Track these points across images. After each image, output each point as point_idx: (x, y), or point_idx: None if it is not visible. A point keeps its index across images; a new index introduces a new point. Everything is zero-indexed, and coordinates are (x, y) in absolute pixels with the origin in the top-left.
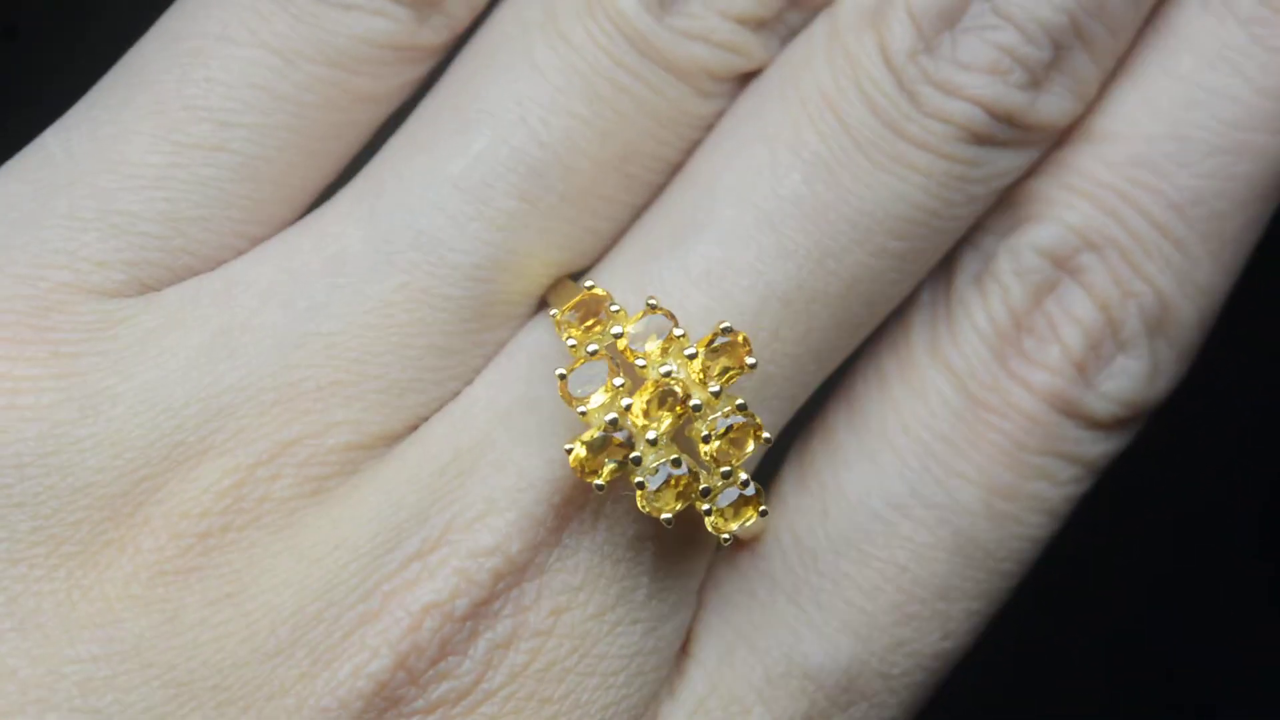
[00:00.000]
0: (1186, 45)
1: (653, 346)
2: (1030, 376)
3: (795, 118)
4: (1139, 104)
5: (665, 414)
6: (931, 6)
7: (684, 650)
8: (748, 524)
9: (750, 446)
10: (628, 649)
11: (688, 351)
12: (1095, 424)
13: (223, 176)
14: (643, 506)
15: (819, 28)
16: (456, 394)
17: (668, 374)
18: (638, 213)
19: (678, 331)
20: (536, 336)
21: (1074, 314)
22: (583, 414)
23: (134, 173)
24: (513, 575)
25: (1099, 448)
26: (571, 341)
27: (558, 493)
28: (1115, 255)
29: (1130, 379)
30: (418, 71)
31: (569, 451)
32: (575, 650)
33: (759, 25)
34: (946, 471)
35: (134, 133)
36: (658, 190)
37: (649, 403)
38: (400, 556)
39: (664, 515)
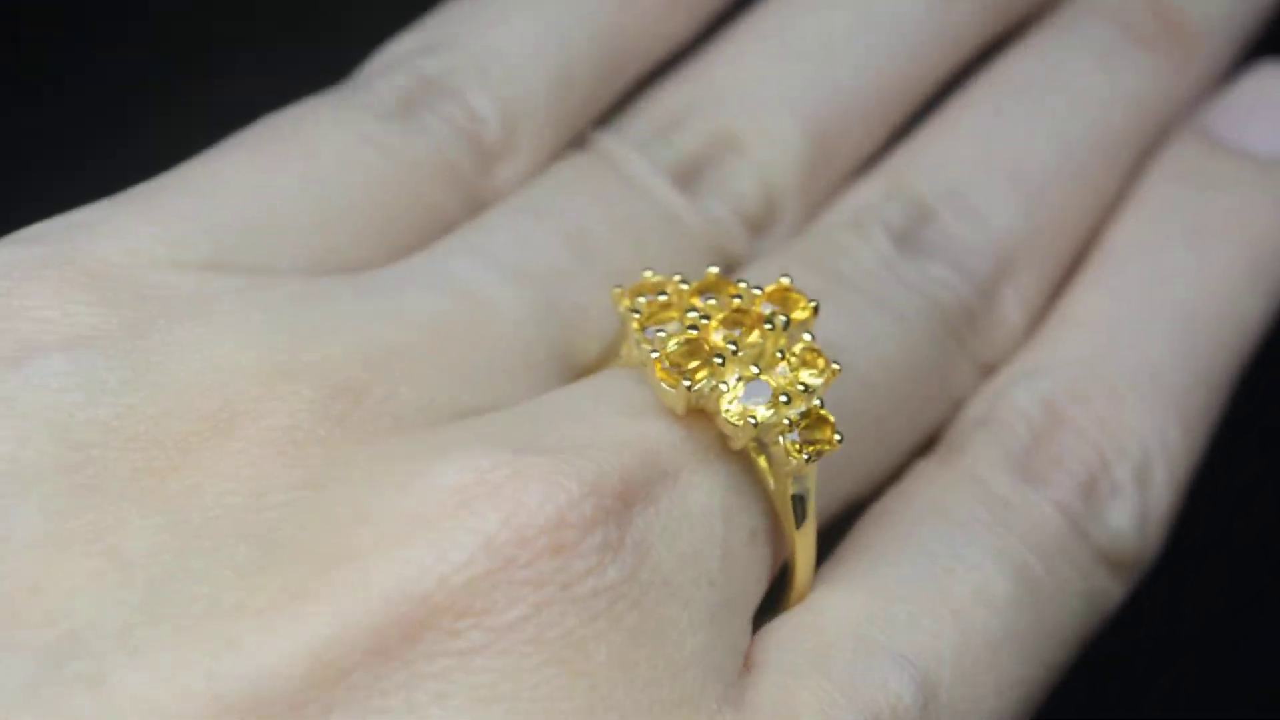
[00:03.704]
0: (1133, 263)
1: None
2: (1045, 490)
3: (798, 268)
4: (1107, 292)
5: (745, 329)
6: (899, 220)
7: (748, 663)
8: (824, 445)
9: (821, 367)
10: (710, 605)
11: (755, 291)
12: (1100, 554)
13: (300, 213)
14: (727, 414)
15: (795, 240)
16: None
17: (738, 299)
18: None
19: (741, 284)
20: (587, 380)
21: (1073, 451)
22: (661, 334)
23: (217, 187)
24: (613, 488)
25: (1104, 584)
26: (642, 299)
27: (645, 441)
28: (1105, 406)
29: (1126, 518)
30: (472, 210)
31: (656, 359)
32: (669, 582)
33: (751, 228)
34: (985, 545)
35: (222, 164)
36: None
37: (724, 320)
38: (496, 457)
39: (749, 419)
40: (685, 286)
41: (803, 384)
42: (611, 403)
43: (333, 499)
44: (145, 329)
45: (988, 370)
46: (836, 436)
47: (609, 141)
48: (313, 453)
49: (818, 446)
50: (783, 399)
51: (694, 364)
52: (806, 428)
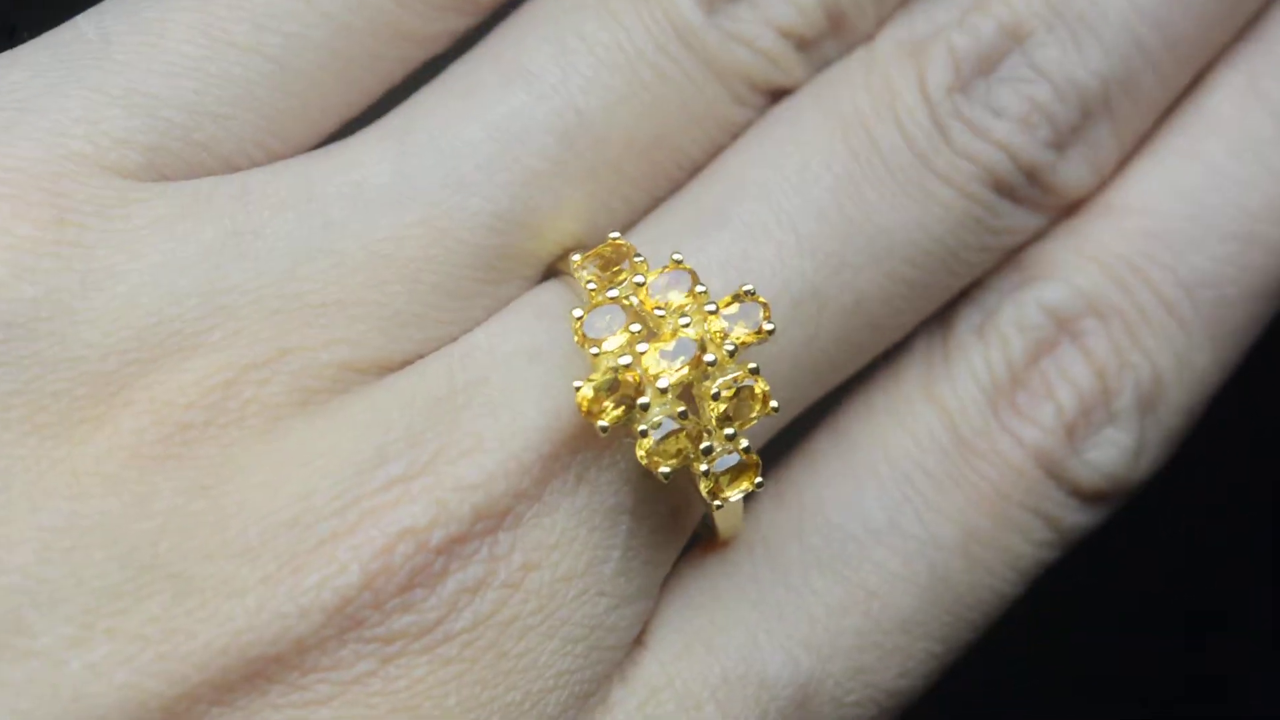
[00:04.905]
0: (1215, 130)
1: (675, 297)
2: (1021, 430)
3: (830, 131)
4: (1160, 181)
5: (680, 365)
6: (972, 49)
7: (639, 641)
8: (742, 492)
9: (756, 412)
10: (590, 620)
11: (708, 307)
12: (1076, 491)
13: (253, 79)
14: (642, 458)
15: (858, 55)
16: (456, 339)
17: (686, 325)
18: (655, 204)
19: (700, 288)
20: (544, 295)
21: (1070, 376)
22: (595, 355)
23: (166, 59)
24: (492, 519)
25: (1075, 518)
26: (591, 285)
27: (547, 443)
28: (1119, 325)
29: (1117, 451)
30: (462, 23)
31: (577, 389)
32: (540, 610)
33: (801, 44)
34: (927, 506)
35: (172, 22)
36: (677, 185)
37: (664, 351)
38: (382, 477)
39: (662, 469)
40: (641, 281)
41: (728, 433)
42: (540, 376)
43: (213, 511)
44: (55, 290)
45: (1052, 210)
46: (759, 480)
47: None
48: (203, 452)
49: (737, 486)
50: (704, 447)
51: (612, 400)
52: (730, 472)
